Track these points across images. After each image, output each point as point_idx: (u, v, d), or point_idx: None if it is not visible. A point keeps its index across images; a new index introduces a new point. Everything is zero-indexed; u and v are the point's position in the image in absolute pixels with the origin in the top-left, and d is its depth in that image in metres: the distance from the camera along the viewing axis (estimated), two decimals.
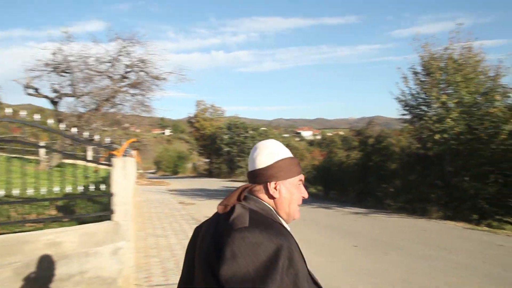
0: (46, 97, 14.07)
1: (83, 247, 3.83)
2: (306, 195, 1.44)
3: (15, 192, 3.91)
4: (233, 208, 1.28)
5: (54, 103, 14.07)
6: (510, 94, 11.11)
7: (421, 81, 12.00)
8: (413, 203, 12.74)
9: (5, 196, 3.93)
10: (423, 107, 12.12)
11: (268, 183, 1.34)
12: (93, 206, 6.36)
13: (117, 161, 4.18)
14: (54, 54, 13.39)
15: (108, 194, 4.24)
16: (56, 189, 4.39)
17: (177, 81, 16.05)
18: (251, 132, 36.19)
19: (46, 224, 4.48)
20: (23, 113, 4.10)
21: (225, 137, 35.58)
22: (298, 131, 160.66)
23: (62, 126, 5.32)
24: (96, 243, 3.94)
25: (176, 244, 8.02)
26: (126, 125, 22.49)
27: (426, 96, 11.70)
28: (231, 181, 30.89)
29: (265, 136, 36.21)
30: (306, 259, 1.29)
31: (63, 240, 3.69)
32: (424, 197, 12.61)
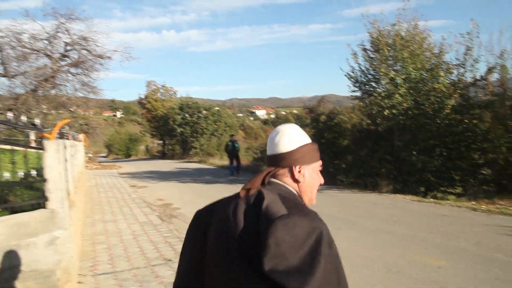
0: None
1: (14, 239, 3.50)
2: (323, 181, 1.44)
3: None
4: (259, 194, 1.23)
5: None
6: (453, 71, 11.49)
7: (370, 57, 12.15)
8: (364, 178, 13.06)
9: None
10: (373, 84, 12.32)
11: (294, 167, 1.31)
12: (33, 194, 5.93)
13: (50, 144, 3.82)
14: None
15: (43, 180, 3.90)
16: None
17: (123, 60, 15.30)
18: (204, 112, 35.67)
19: None
20: None
21: (178, 117, 34.84)
22: (253, 111, 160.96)
23: None
24: (29, 234, 3.61)
25: (125, 229, 7.72)
26: (74, 107, 21.47)
27: (375, 73, 11.88)
28: (185, 162, 30.45)
29: (218, 116, 35.83)
30: None
31: None
32: (375, 172, 12.95)
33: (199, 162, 28.79)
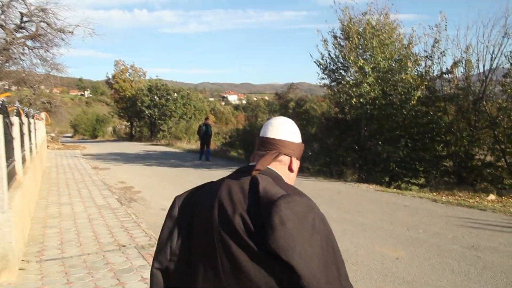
0: None
1: None
2: None
3: None
4: (253, 178, 1.26)
5: None
6: (420, 62, 11.58)
7: (340, 45, 12.07)
8: (330, 166, 13.08)
9: None
10: (342, 72, 12.27)
11: (294, 158, 1.38)
12: None
13: None
14: None
15: None
16: None
17: (85, 36, 14.56)
18: (174, 95, 34.99)
19: None
20: None
21: (146, 99, 34.01)
22: (224, 96, 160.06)
23: None
24: None
25: (81, 213, 7.39)
26: (37, 85, 20.53)
27: (344, 61, 11.83)
28: (153, 144, 29.91)
29: (187, 99, 35.24)
30: None
31: None
32: (341, 161, 13.00)
33: (167, 145, 28.32)
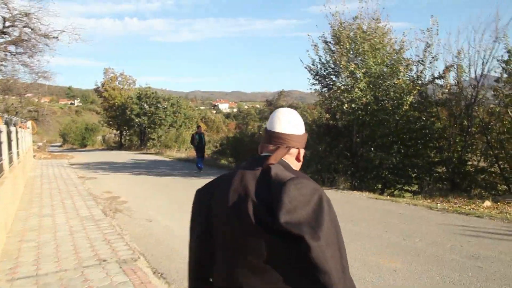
0: None
1: None
2: None
3: None
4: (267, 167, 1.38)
5: None
6: (412, 67, 11.43)
7: (330, 50, 11.89)
8: (322, 173, 12.82)
9: None
10: (333, 77, 12.08)
11: (301, 149, 1.50)
12: None
13: None
14: None
15: None
16: None
17: (71, 41, 14.21)
18: (165, 103, 34.63)
19: None
20: None
21: (135, 107, 33.59)
22: (215, 104, 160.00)
23: None
24: None
25: (62, 225, 7.04)
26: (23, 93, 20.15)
27: (335, 66, 11.64)
28: (142, 153, 29.49)
29: (177, 107, 34.90)
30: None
31: None
32: (333, 168, 12.75)
33: (156, 154, 27.92)
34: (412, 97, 10.65)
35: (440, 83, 11.27)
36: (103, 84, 38.96)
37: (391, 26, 12.01)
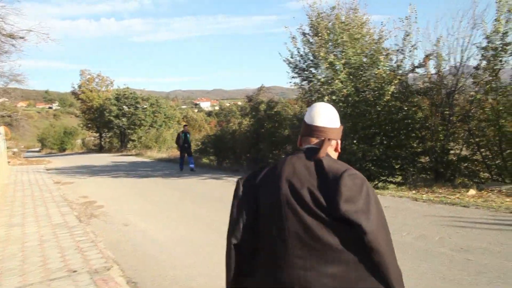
0: None
1: None
2: None
3: None
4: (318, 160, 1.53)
5: None
6: (392, 57, 11.27)
7: (309, 42, 11.64)
8: None
9: None
10: (312, 69, 11.85)
11: (339, 140, 1.68)
12: None
13: None
14: None
15: None
16: None
17: (39, 42, 13.64)
18: (143, 104, 33.99)
19: None
20: None
21: (114, 108, 32.89)
22: (197, 103, 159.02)
23: None
24: None
25: (32, 234, 6.62)
26: None
27: (314, 58, 11.41)
28: (122, 155, 28.89)
29: (157, 106, 34.33)
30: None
31: None
32: None
33: (137, 155, 27.37)
34: (393, 87, 10.47)
35: (421, 72, 11.13)
36: (80, 86, 38.05)
37: (369, 16, 11.86)
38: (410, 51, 10.88)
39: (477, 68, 10.64)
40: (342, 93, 10.51)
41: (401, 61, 11.04)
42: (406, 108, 11.05)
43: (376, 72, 10.45)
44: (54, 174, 16.66)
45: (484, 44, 10.29)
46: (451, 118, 10.96)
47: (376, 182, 11.36)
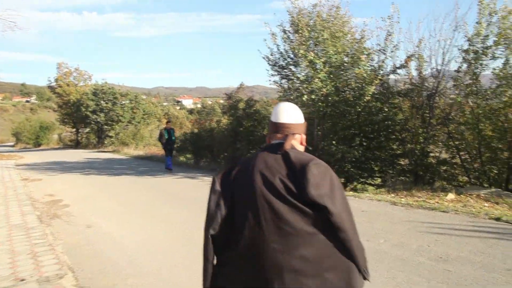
0: None
1: None
2: None
3: None
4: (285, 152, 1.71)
5: None
6: (373, 56, 11.05)
7: (289, 39, 11.33)
8: None
9: None
10: (292, 67, 11.53)
11: (303, 134, 1.88)
12: None
13: None
14: None
15: None
16: None
17: (4, 29, 12.96)
18: (125, 100, 33.21)
19: None
20: None
21: (91, 103, 32.02)
22: (179, 100, 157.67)
23: None
24: None
25: None
26: None
27: (295, 56, 11.10)
28: (99, 151, 28.13)
29: (135, 102, 33.60)
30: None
31: None
32: None
33: (113, 152, 26.67)
34: (373, 87, 10.25)
35: (402, 73, 10.96)
36: (56, 80, 36.97)
37: (351, 15, 11.61)
38: (392, 51, 10.70)
39: (458, 71, 10.52)
40: (322, 92, 10.21)
41: (383, 62, 10.84)
42: (386, 109, 10.86)
43: (357, 72, 10.20)
44: (23, 170, 15.94)
45: (466, 46, 10.18)
46: (431, 120, 10.82)
47: (355, 184, 11.14)
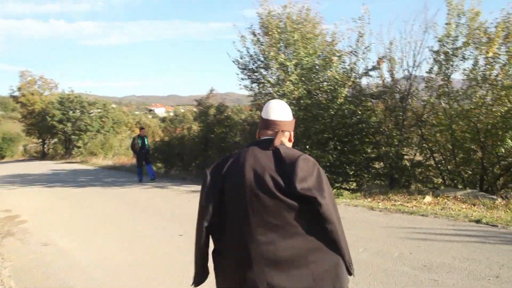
0: None
1: None
2: None
3: None
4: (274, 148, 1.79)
5: None
6: (345, 58, 10.82)
7: (259, 41, 10.98)
8: None
9: None
10: (262, 70, 11.16)
11: (292, 132, 1.94)
12: None
13: None
14: None
15: None
16: None
17: None
18: (94, 109, 32.13)
19: None
20: None
21: (57, 113, 30.83)
22: (151, 108, 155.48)
23: None
24: None
25: None
26: None
27: (265, 59, 10.75)
28: (66, 163, 27.01)
29: (105, 111, 32.63)
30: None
31: None
32: None
33: (81, 162, 25.66)
34: (346, 89, 10.00)
35: (375, 75, 10.78)
36: (19, 89, 35.51)
37: (322, 16, 11.38)
38: (364, 53, 10.48)
39: (429, 72, 10.43)
40: (294, 95, 9.90)
41: (355, 64, 10.62)
42: (360, 112, 10.64)
43: (329, 74, 9.93)
44: None
45: (436, 47, 10.11)
46: (404, 122, 10.68)
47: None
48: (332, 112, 10.27)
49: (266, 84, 10.52)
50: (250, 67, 11.39)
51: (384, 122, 10.87)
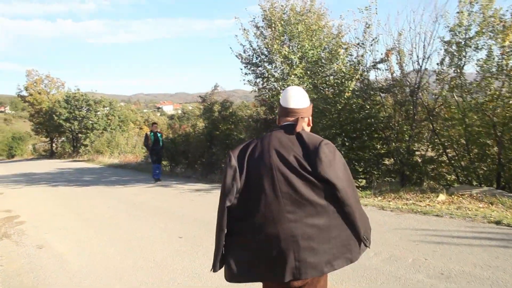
0: None
1: None
2: None
3: None
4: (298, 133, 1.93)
5: None
6: (352, 51, 10.41)
7: (262, 34, 10.60)
8: None
9: None
10: (266, 65, 10.79)
11: (310, 117, 2.11)
12: None
13: None
14: None
15: None
16: None
17: None
18: (99, 107, 32.03)
19: None
20: None
21: (64, 111, 30.77)
22: (159, 106, 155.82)
23: None
24: None
25: None
26: None
27: (269, 53, 10.37)
28: (73, 161, 26.95)
29: (111, 109, 32.52)
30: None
31: None
32: None
33: (87, 161, 25.55)
34: (353, 82, 9.60)
35: (383, 67, 10.35)
36: (26, 88, 35.53)
37: (326, 8, 10.97)
38: (371, 45, 10.07)
39: (441, 63, 9.99)
40: None
41: (362, 56, 10.20)
42: (368, 107, 10.23)
43: (336, 67, 9.53)
44: None
45: (448, 37, 9.65)
46: (415, 117, 10.26)
47: None
48: (339, 107, 9.88)
49: (270, 79, 10.17)
50: (254, 61, 11.03)
51: (393, 116, 10.45)
